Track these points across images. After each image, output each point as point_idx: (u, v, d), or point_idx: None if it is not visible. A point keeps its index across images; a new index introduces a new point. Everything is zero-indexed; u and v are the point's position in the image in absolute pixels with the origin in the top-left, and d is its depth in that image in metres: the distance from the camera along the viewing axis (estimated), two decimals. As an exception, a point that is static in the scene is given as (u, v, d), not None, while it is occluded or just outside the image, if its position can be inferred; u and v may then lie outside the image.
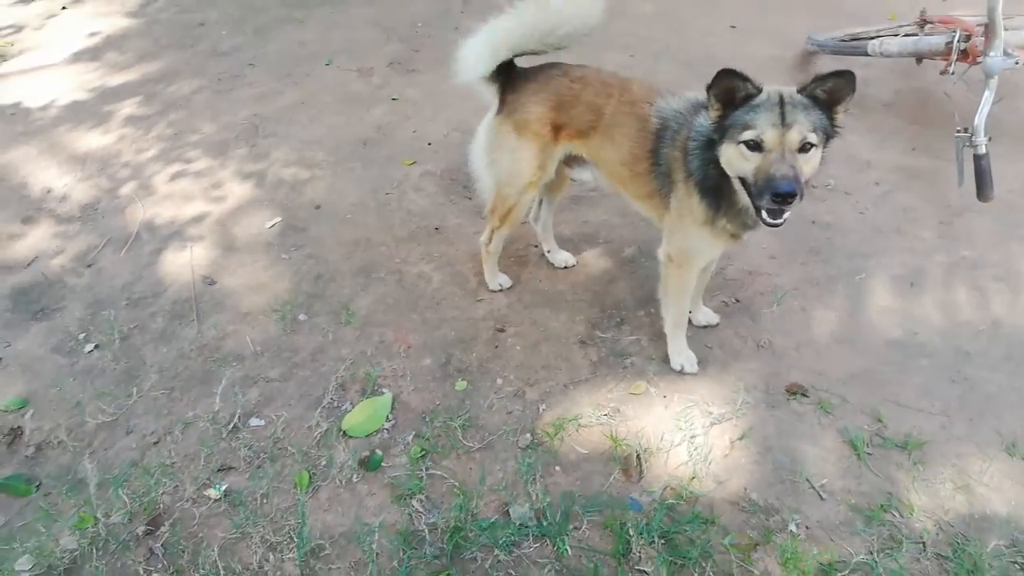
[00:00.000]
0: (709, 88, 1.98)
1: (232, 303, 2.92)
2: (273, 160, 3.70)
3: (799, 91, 1.95)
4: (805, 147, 1.93)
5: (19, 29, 5.22)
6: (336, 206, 3.39)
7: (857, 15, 4.44)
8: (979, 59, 3.06)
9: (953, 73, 3.22)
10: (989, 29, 2.92)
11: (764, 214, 1.99)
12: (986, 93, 2.91)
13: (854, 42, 3.70)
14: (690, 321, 2.68)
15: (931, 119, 3.67)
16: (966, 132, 2.91)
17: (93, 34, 5.05)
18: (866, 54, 3.60)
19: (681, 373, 2.54)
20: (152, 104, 4.21)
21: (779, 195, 1.88)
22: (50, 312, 2.93)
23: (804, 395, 2.44)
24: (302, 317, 2.84)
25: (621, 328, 2.72)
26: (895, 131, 3.63)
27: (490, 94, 2.52)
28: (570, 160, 2.58)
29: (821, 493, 2.17)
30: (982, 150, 2.87)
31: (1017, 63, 2.92)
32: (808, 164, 1.96)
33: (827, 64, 4.16)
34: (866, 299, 2.79)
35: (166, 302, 2.93)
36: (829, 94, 1.95)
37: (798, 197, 1.90)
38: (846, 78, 1.92)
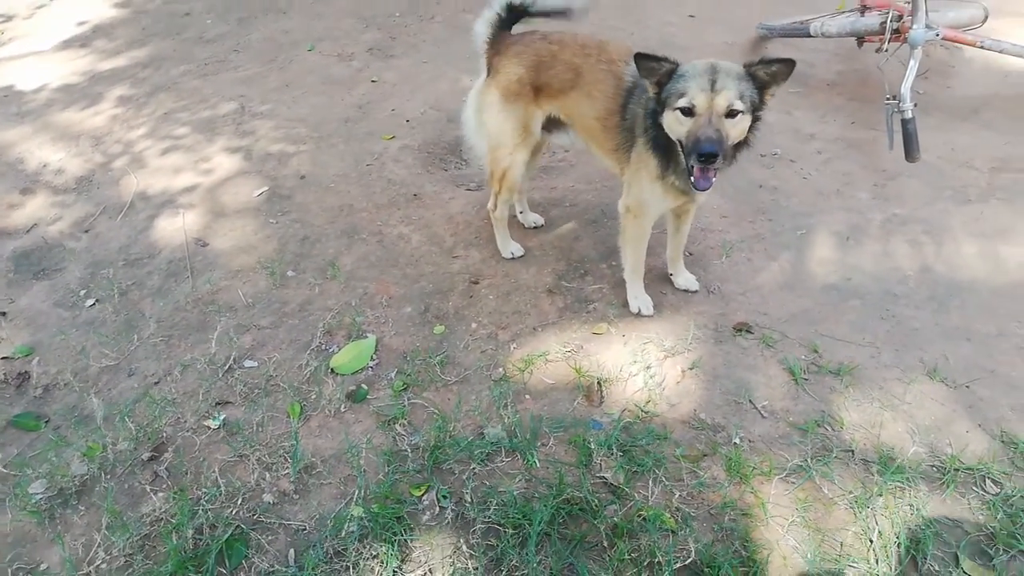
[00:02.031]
0: (639, 72, 2.20)
1: (224, 262, 3.08)
2: (259, 136, 3.86)
3: (745, 66, 2.16)
4: (732, 113, 2.13)
5: (9, 18, 5.33)
6: (320, 177, 3.56)
7: (807, 4, 4.70)
8: (906, 37, 3.33)
9: (887, 50, 3.49)
10: (914, 5, 3.19)
11: (693, 179, 2.20)
12: (911, 63, 3.17)
13: (797, 27, 3.95)
14: (672, 283, 2.90)
15: (869, 96, 3.93)
16: (895, 99, 3.17)
17: (82, 23, 5.18)
18: (809, 35, 3.85)
19: (639, 315, 2.76)
20: (141, 87, 4.36)
21: (703, 155, 2.10)
22: (51, 272, 3.08)
23: (749, 332, 2.67)
24: (290, 273, 3.01)
25: (585, 279, 2.92)
26: (836, 108, 3.89)
27: (482, 62, 2.71)
28: (549, 125, 2.75)
29: (763, 412, 2.39)
30: (908, 115, 3.13)
31: (938, 35, 3.18)
32: (734, 129, 2.16)
33: (776, 47, 4.43)
34: (806, 251, 3.02)
35: (161, 262, 3.09)
36: (769, 75, 2.16)
37: (720, 158, 2.11)
38: (787, 65, 2.14)
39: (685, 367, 2.54)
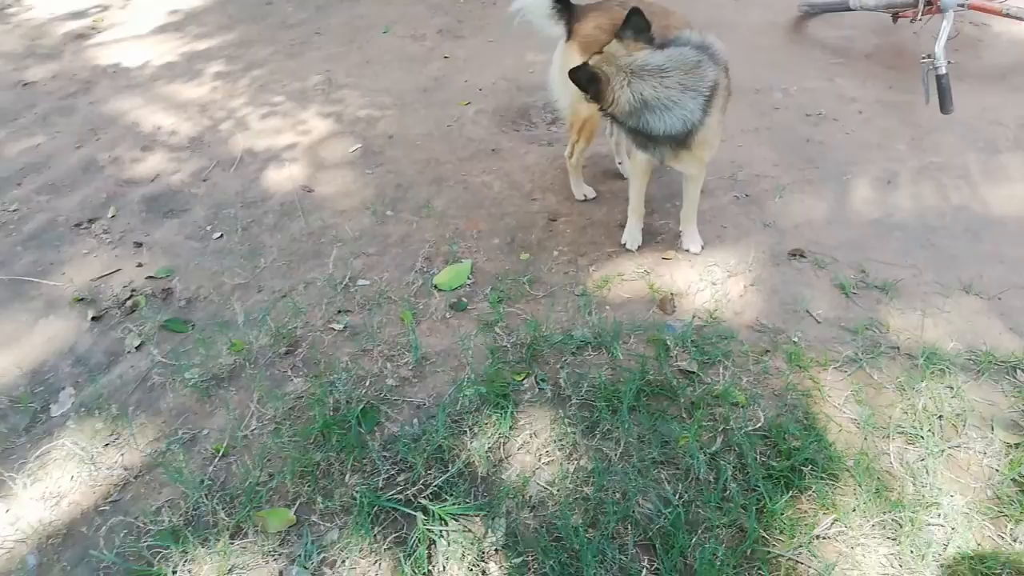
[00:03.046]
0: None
1: (329, 204, 3.47)
2: (348, 104, 4.26)
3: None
4: None
5: (105, 8, 5.82)
6: (406, 136, 3.95)
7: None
8: (939, 4, 3.65)
9: (921, 20, 3.80)
10: (944, -26, 3.53)
11: None
12: (944, 23, 3.49)
13: (838, 1, 4.28)
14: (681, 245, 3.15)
15: (904, 66, 4.23)
16: (929, 58, 3.48)
17: (173, 11, 5.65)
18: (849, 8, 4.17)
19: (625, 248, 3.10)
20: (235, 64, 4.79)
21: None
22: (178, 212, 3.48)
23: (803, 256, 2.99)
24: (389, 213, 3.39)
25: (652, 216, 3.26)
26: (875, 75, 4.20)
27: (559, 28, 3.00)
28: None
29: (817, 319, 2.71)
30: (943, 71, 3.44)
31: (963, 5, 3.52)
32: None
33: (817, 24, 4.75)
34: (851, 193, 3.34)
35: (274, 204, 3.49)
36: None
37: None
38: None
39: (747, 284, 2.87)
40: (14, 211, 3.55)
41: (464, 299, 2.89)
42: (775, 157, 3.59)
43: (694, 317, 2.73)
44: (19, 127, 4.22)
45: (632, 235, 3.13)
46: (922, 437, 2.25)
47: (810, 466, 2.17)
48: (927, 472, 2.16)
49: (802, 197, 3.33)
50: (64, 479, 2.26)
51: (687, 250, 3.08)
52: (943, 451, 2.23)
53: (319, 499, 2.16)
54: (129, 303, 2.97)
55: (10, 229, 3.44)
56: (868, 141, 3.67)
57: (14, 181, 3.76)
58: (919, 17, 3.78)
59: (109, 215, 3.47)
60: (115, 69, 4.83)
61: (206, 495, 2.18)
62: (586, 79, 2.52)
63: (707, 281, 2.89)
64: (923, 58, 3.52)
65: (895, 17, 4.26)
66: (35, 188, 3.69)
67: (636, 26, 2.55)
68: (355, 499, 2.15)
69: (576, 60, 2.99)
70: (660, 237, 3.14)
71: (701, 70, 2.53)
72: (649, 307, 2.80)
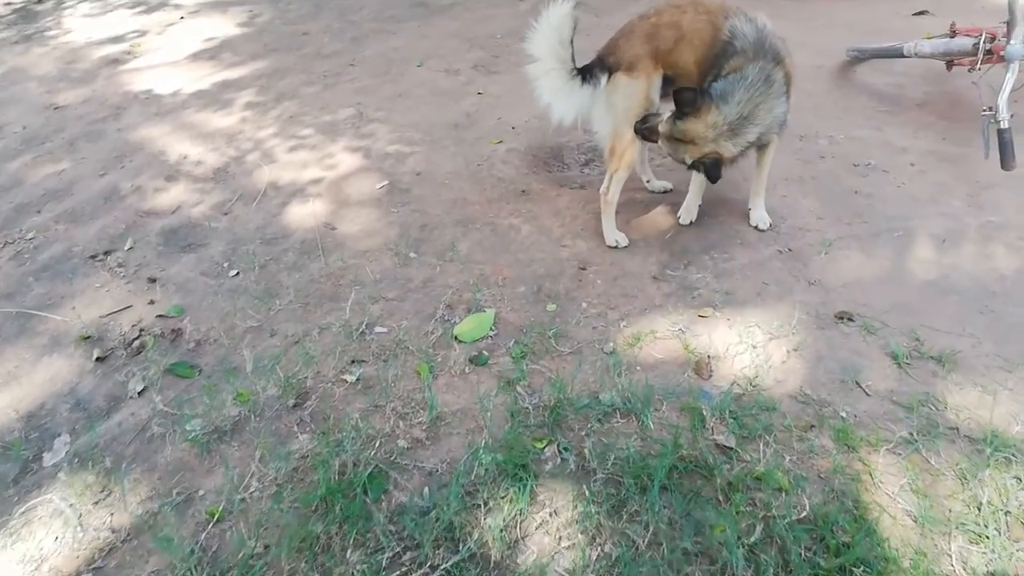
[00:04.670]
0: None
1: (351, 243, 3.32)
2: (377, 138, 4.14)
3: None
4: None
5: (143, 34, 5.83)
6: (434, 174, 3.80)
7: (892, 33, 4.81)
8: (1002, 54, 3.41)
9: (980, 70, 3.57)
10: (1010, 21, 3.28)
11: None
12: (1008, 75, 3.25)
13: (890, 47, 4.07)
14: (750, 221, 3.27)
15: (959, 116, 4.00)
16: (991, 111, 3.25)
17: (209, 39, 5.63)
18: (902, 55, 3.96)
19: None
20: (267, 94, 4.72)
21: None
22: (196, 247, 3.36)
23: (851, 319, 2.75)
24: (412, 255, 3.23)
25: (688, 268, 3.06)
26: (927, 125, 3.97)
27: (594, 84, 2.99)
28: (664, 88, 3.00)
29: (867, 391, 2.47)
30: (1005, 125, 3.20)
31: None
32: None
33: (865, 69, 4.54)
34: (903, 251, 3.10)
35: (295, 241, 3.35)
36: None
37: None
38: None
39: (789, 348, 2.64)
40: (31, 239, 3.46)
41: (485, 352, 2.70)
42: (820, 209, 3.37)
43: (733, 384, 2.50)
44: (46, 151, 4.17)
45: (689, 208, 3.31)
46: (987, 536, 2.00)
47: (862, 567, 1.92)
48: (995, 580, 1.91)
49: (849, 253, 3.10)
50: (47, 540, 2.10)
51: (755, 226, 3.23)
52: (1011, 555, 1.97)
53: (316, 577, 1.97)
54: (136, 343, 2.84)
55: (25, 258, 3.34)
56: (921, 195, 3.43)
57: (35, 207, 3.68)
58: (978, 66, 3.56)
59: (126, 247, 3.36)
60: (147, 95, 4.79)
61: (195, 566, 2.00)
62: (710, 165, 2.77)
63: (747, 343, 2.66)
64: (984, 111, 3.28)
65: (950, 65, 4.03)
66: (54, 216, 3.61)
67: (687, 100, 2.70)
68: (355, 579, 1.95)
69: (621, 83, 2.97)
70: (697, 292, 2.93)
71: (771, 80, 2.72)
72: (684, 370, 2.58)
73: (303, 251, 3.28)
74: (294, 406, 2.53)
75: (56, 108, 4.67)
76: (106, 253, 3.35)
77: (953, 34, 4.01)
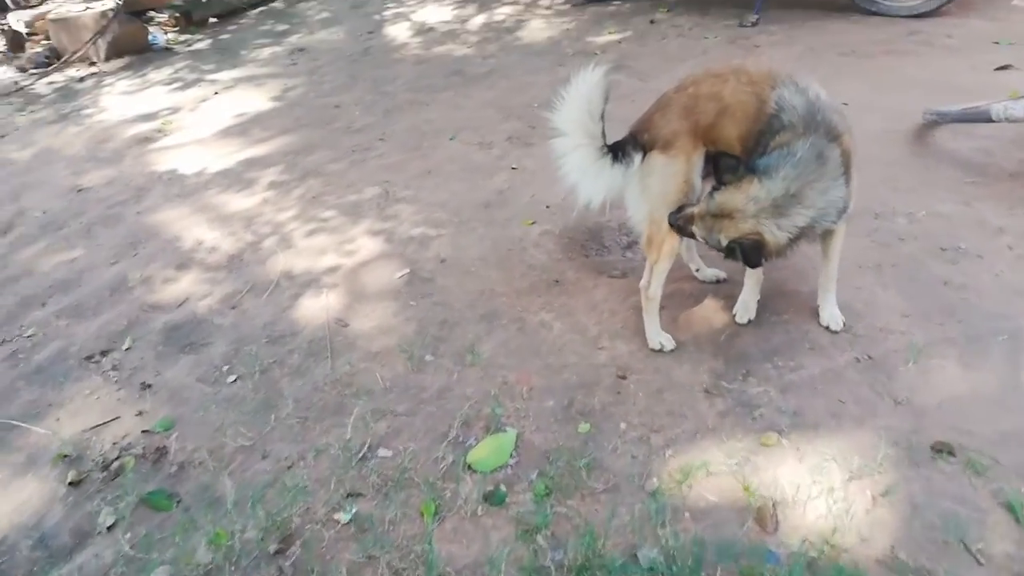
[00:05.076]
0: None
1: (363, 343, 2.98)
2: (401, 220, 3.85)
3: None
4: None
5: (176, 111, 5.76)
6: (460, 260, 3.46)
7: (972, 91, 4.32)
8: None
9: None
10: None
11: None
12: None
13: (977, 110, 3.59)
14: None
15: (1064, 188, 3.48)
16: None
17: (239, 115, 5.51)
18: (990, 120, 3.47)
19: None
20: (292, 172, 4.51)
21: None
22: (198, 346, 3.08)
23: (951, 454, 2.24)
24: (428, 357, 2.86)
25: (747, 380, 2.60)
26: (1023, 200, 3.45)
27: (627, 164, 2.64)
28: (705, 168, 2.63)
29: (979, 557, 1.95)
30: None
31: None
32: None
33: (943, 134, 4.04)
34: (1012, 361, 2.57)
35: (302, 341, 3.03)
36: None
37: None
38: None
39: (876, 493, 2.14)
40: (30, 336, 3.25)
41: (503, 487, 2.28)
42: (904, 305, 2.87)
43: (805, 541, 2.02)
44: (61, 237, 4.02)
45: (746, 305, 2.88)
46: None
47: None
48: None
49: (944, 363, 2.59)
50: None
51: (826, 327, 2.77)
52: None
53: None
54: (115, 465, 2.53)
55: (20, 358, 3.12)
56: (1023, 287, 2.91)
57: (40, 300, 3.49)
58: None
59: (124, 347, 3.11)
60: (170, 175, 4.64)
61: None
62: (749, 248, 2.31)
63: (822, 485, 2.17)
64: None
65: (1047, 129, 3.53)
66: (58, 310, 3.40)
67: (728, 167, 2.30)
68: None
69: (658, 164, 2.60)
70: (758, 412, 2.46)
71: (824, 158, 2.31)
72: (743, 519, 2.11)
73: (310, 352, 2.96)
74: (275, 552, 2.16)
75: (79, 191, 4.55)
76: (103, 353, 3.09)
77: (1050, 94, 3.52)
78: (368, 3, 7.99)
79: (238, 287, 3.43)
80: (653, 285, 2.75)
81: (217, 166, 4.69)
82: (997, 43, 5.04)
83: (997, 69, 4.66)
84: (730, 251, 2.35)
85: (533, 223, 3.70)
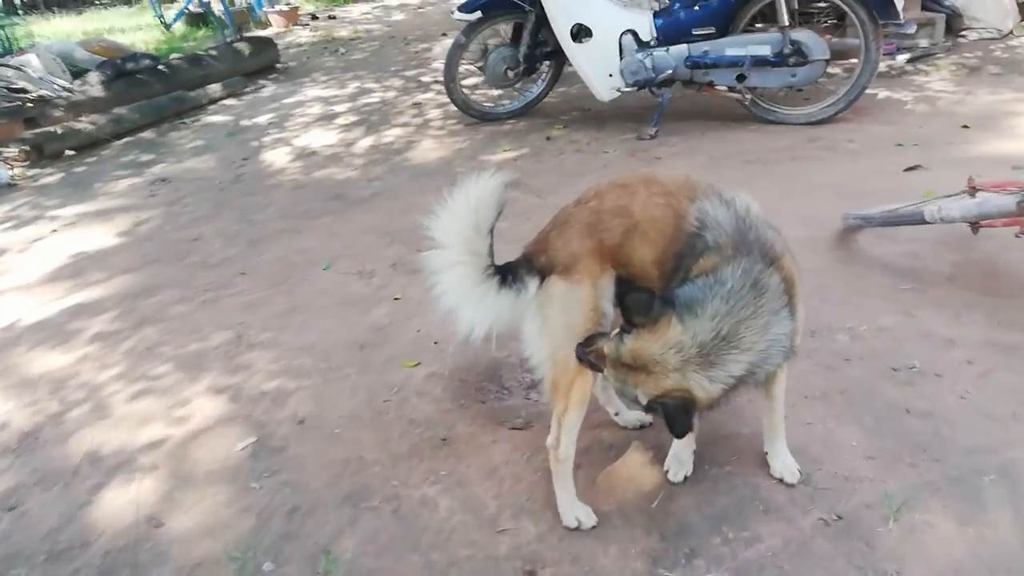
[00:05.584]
0: None
1: (179, 551, 2.25)
2: (254, 371, 3.19)
3: None
4: None
5: (2, 253, 4.98)
6: (323, 420, 2.82)
7: (882, 193, 4.15)
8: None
9: (1032, 231, 2.82)
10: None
11: None
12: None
13: (906, 213, 3.34)
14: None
15: (1006, 290, 3.20)
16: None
17: (77, 254, 4.77)
18: (924, 221, 3.22)
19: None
20: (126, 319, 3.80)
21: None
22: (-55, 574, 2.26)
23: (973, 655, 1.71)
24: (267, 567, 2.15)
25: (693, 562, 2.02)
26: (969, 305, 3.14)
27: (522, 288, 2.17)
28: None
29: None
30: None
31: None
32: None
33: (867, 238, 3.79)
34: (1012, 505, 2.11)
35: (95, 554, 2.27)
36: None
37: None
38: None
39: None
40: None
41: None
42: (866, 443, 2.41)
43: None
44: None
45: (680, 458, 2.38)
46: None
47: None
48: None
49: (931, 519, 2.10)
50: None
51: (779, 479, 2.29)
52: None
53: None
54: None
55: None
56: (997, 410, 2.51)
57: None
58: (1029, 229, 2.80)
59: None
60: (-27, 332, 3.84)
61: None
62: (674, 410, 1.78)
63: None
64: None
65: (976, 227, 3.29)
66: None
67: (638, 306, 1.83)
68: None
69: (558, 288, 2.13)
70: (711, 613, 1.88)
71: (761, 287, 1.85)
72: None
73: (103, 571, 2.19)
74: None
75: None
76: None
77: (973, 191, 3.31)
78: (247, 130, 7.57)
79: (22, 479, 2.64)
80: (563, 443, 2.18)
81: (34, 316, 3.93)
82: (900, 145, 5.01)
83: (907, 170, 4.57)
84: (651, 408, 1.84)
85: (417, 364, 3.12)
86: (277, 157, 6.55)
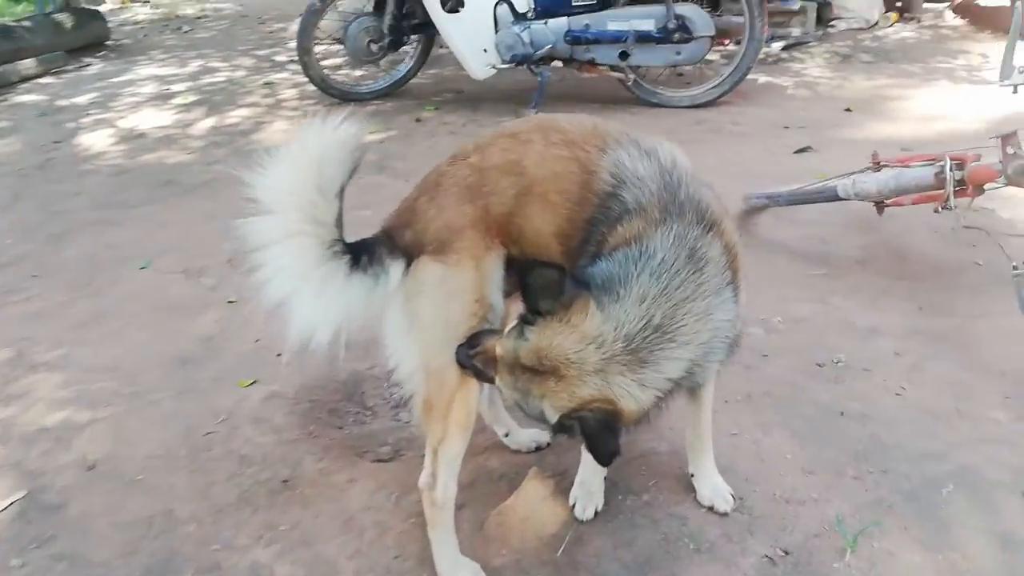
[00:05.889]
0: None
1: None
2: (33, 401, 2.46)
3: None
4: None
5: None
6: (122, 463, 2.16)
7: (774, 176, 3.94)
8: (987, 186, 2.47)
9: (954, 208, 2.60)
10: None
11: None
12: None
13: (816, 189, 3.09)
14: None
15: (919, 273, 3.00)
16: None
17: None
18: (837, 197, 2.96)
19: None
20: None
21: None
22: None
23: None
24: None
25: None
26: (884, 291, 2.91)
27: (381, 272, 1.65)
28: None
29: None
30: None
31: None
32: None
33: (767, 219, 3.52)
34: (976, 521, 1.81)
35: None
36: None
37: None
38: None
39: None
40: None
41: None
42: (802, 455, 2.06)
43: None
44: None
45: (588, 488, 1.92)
46: None
47: None
48: None
49: (891, 546, 1.75)
50: None
51: (709, 507, 1.88)
52: None
53: None
54: None
55: None
56: (938, 407, 2.24)
57: None
58: (949, 204, 2.57)
59: None
60: None
61: None
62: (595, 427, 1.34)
63: None
64: (1015, 270, 2.25)
65: (881, 208, 3.08)
66: None
67: (544, 286, 1.38)
68: None
69: (431, 273, 1.64)
70: None
71: (699, 258, 1.44)
72: None
73: None
74: None
75: None
76: None
77: (878, 166, 3.09)
78: (63, 110, 6.54)
79: None
80: (441, 481, 1.67)
81: None
82: (787, 128, 4.86)
83: (797, 152, 4.41)
84: (563, 428, 1.37)
85: (254, 383, 2.51)
86: (96, 140, 5.63)
